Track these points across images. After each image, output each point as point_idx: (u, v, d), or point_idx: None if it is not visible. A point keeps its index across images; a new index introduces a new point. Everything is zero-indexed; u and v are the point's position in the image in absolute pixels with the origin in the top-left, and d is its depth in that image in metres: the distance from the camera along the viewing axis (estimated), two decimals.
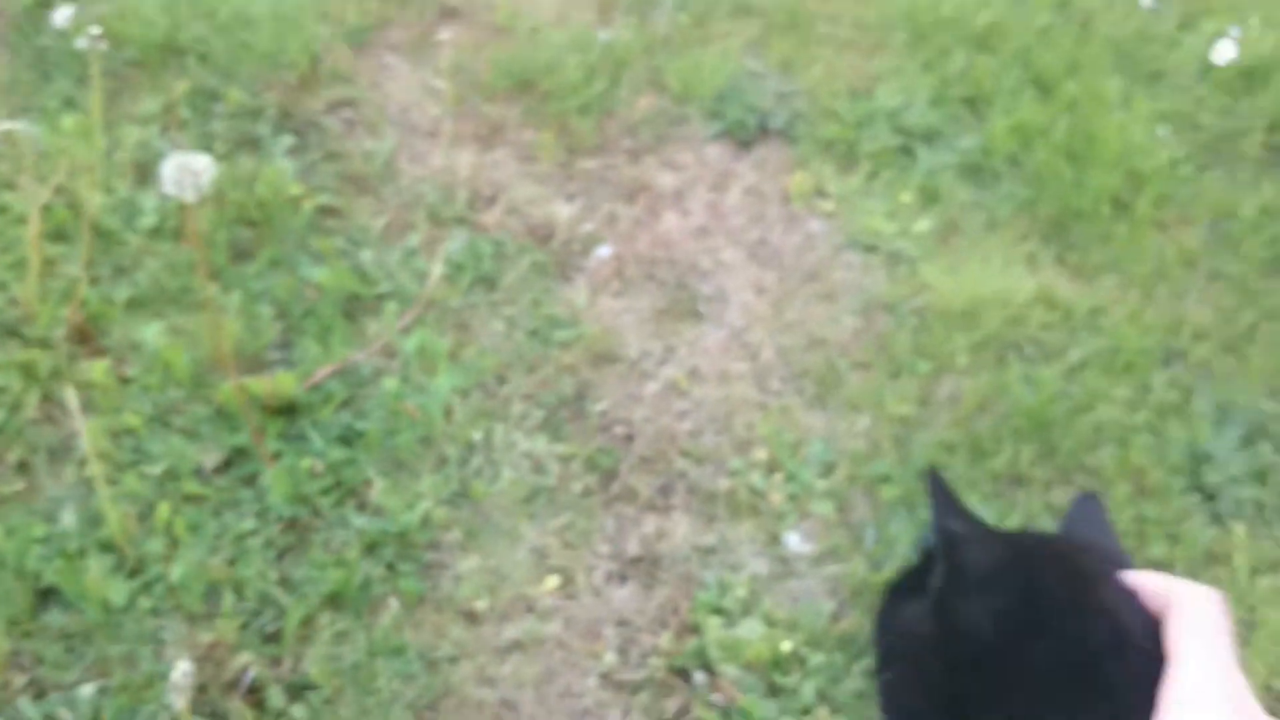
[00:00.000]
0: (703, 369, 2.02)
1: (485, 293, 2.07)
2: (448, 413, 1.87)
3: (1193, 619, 0.63)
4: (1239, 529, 1.83)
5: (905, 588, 0.78)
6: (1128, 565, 0.79)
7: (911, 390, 2.00)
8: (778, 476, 1.88)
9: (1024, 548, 0.73)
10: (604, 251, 2.16)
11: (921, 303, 2.14)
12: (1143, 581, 0.67)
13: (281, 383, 1.79)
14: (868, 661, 1.61)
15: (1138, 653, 0.66)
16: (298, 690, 1.53)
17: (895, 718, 0.78)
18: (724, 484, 1.86)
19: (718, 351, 2.05)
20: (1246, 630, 1.72)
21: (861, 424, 1.97)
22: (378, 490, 1.74)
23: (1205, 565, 1.79)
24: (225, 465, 1.77)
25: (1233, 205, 2.31)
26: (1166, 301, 2.16)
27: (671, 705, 1.60)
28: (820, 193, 2.33)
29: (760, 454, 1.91)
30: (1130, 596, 0.68)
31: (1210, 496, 1.88)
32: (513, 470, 1.82)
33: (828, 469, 1.91)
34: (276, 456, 1.74)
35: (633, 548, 1.77)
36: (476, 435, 1.85)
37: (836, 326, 2.11)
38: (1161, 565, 1.78)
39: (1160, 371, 2.05)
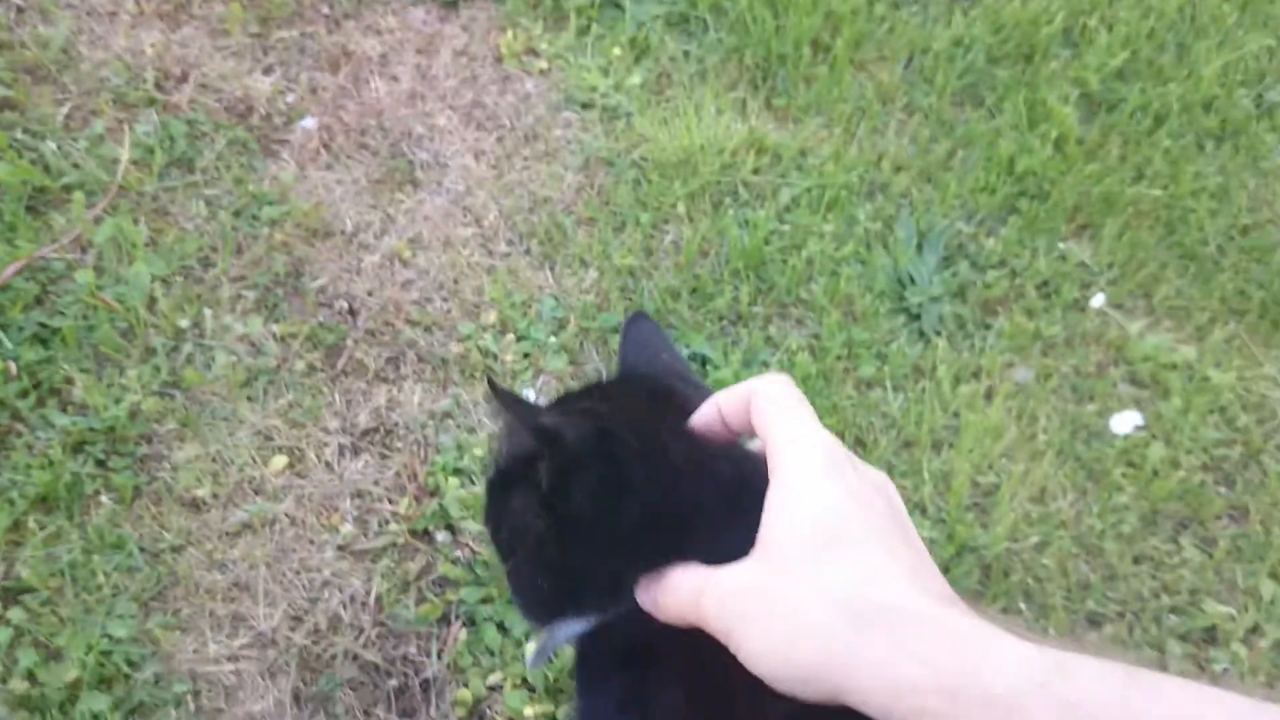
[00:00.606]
0: (425, 237, 1.99)
1: (182, 175, 1.96)
2: (150, 302, 1.78)
3: (770, 400, 0.67)
4: (941, 343, 1.94)
5: (505, 483, 0.81)
6: (686, 374, 0.86)
7: (636, 241, 2.02)
8: (509, 337, 1.88)
9: (601, 414, 0.77)
10: (309, 123, 2.07)
11: (639, 155, 2.16)
12: (723, 399, 0.71)
13: None
14: None
15: (713, 459, 0.72)
16: (13, 595, 1.45)
17: (522, 599, 0.83)
18: (455, 349, 1.85)
19: (439, 218, 2.01)
20: (951, 435, 1.85)
21: (589, 278, 1.98)
22: (80, 387, 1.64)
23: (912, 379, 1.90)
24: None
25: (926, 40, 2.40)
26: (868, 138, 2.25)
27: (414, 567, 1.59)
28: (532, 51, 2.30)
29: (490, 316, 1.90)
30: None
31: (915, 316, 1.99)
32: (228, 355, 1.75)
33: (559, 325, 1.92)
34: None
35: (364, 420, 1.74)
36: (184, 322, 1.76)
37: (559, 184, 2.10)
38: (872, 383, 1.89)
39: (864, 204, 2.14)
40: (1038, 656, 0.51)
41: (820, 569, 0.58)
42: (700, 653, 0.68)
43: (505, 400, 0.75)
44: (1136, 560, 1.75)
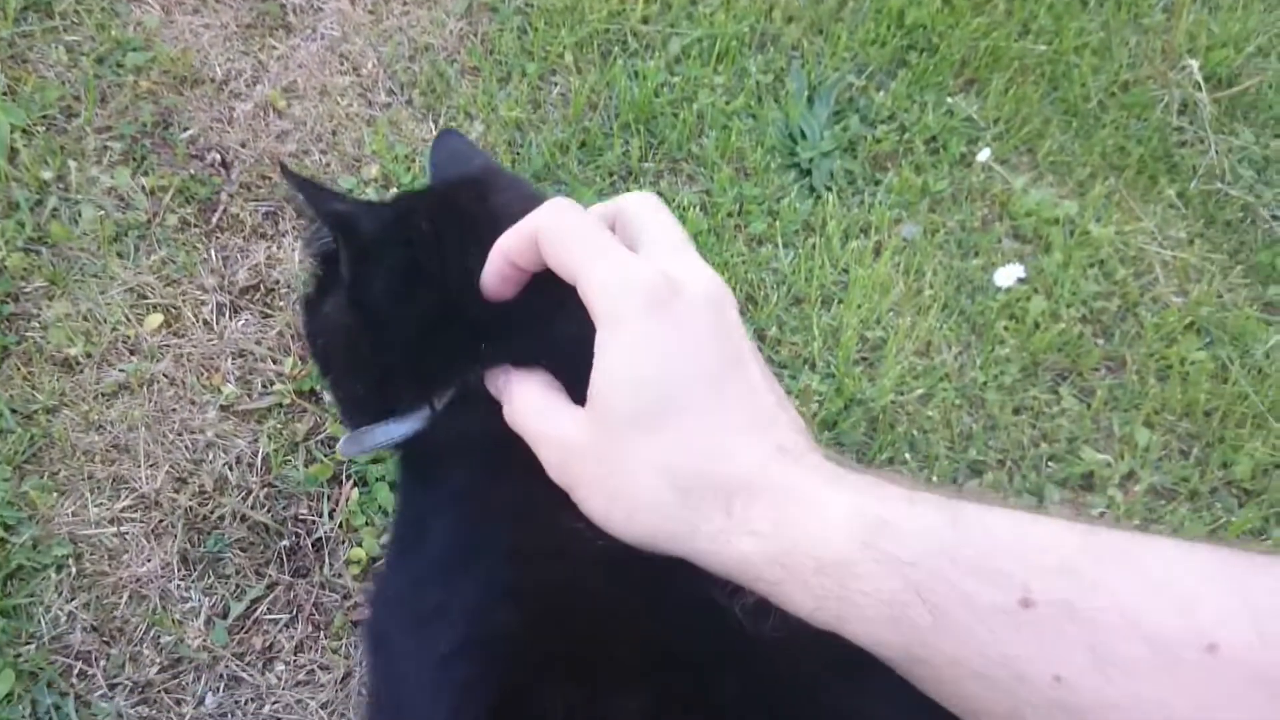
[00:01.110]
0: (300, 85, 1.90)
1: (40, 20, 1.83)
2: (11, 154, 1.67)
3: (559, 237, 0.61)
4: (831, 199, 1.94)
5: (317, 293, 0.80)
6: (500, 173, 0.84)
7: (522, 93, 1.96)
8: (393, 191, 1.82)
9: (405, 206, 0.75)
10: None
11: (524, 1, 2.08)
12: (507, 244, 0.65)
13: None
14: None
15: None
16: None
17: (346, 411, 0.81)
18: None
19: (315, 65, 1.92)
20: (840, 290, 1.86)
21: (475, 131, 1.92)
22: None
23: (803, 234, 1.90)
24: None
25: None
26: None
27: (302, 427, 1.56)
28: None
29: (373, 170, 1.83)
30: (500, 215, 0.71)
31: (805, 172, 1.98)
32: (95, 209, 1.66)
33: None
34: None
35: (243, 277, 1.68)
36: (48, 175, 1.66)
37: (441, 31, 2.02)
38: (763, 239, 1.88)
39: (755, 56, 2.10)
40: (859, 516, 0.51)
41: (649, 440, 0.56)
42: (529, 465, 0.66)
43: (300, 187, 0.72)
44: (1017, 410, 1.80)
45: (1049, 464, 1.76)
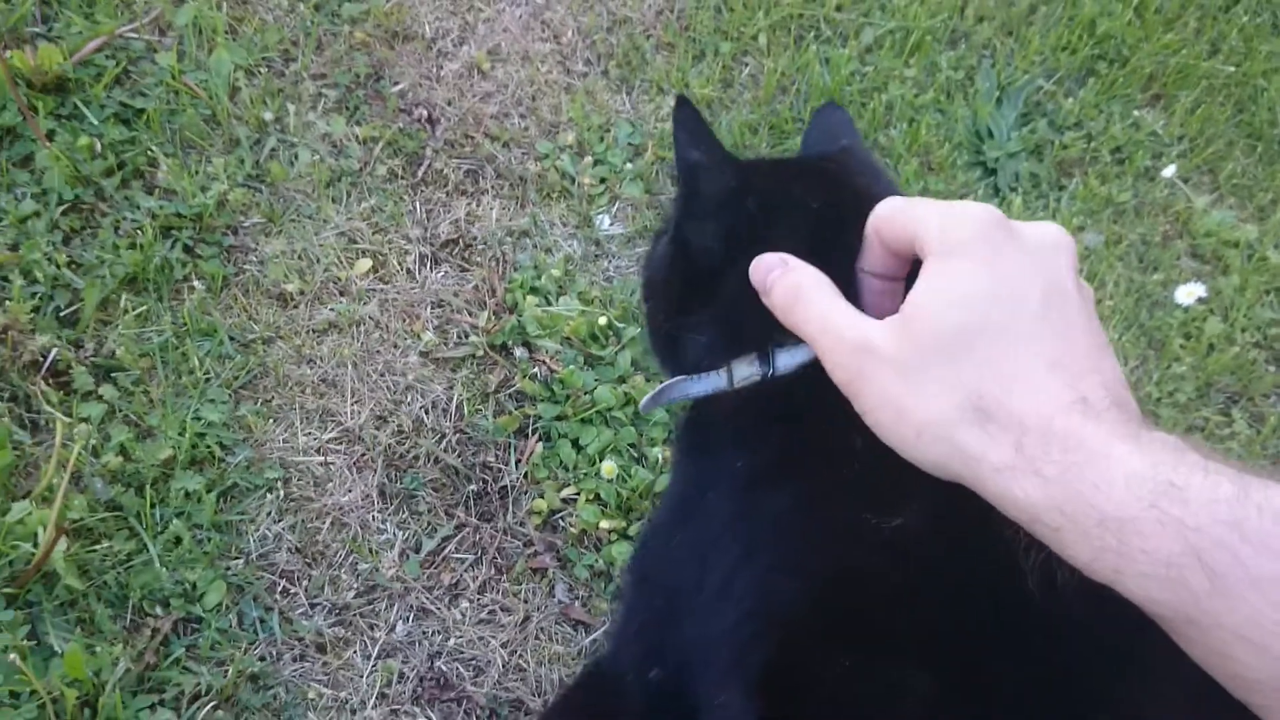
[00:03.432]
0: (504, 49, 1.95)
1: None
2: (233, 92, 1.74)
3: (910, 206, 0.65)
4: (1016, 200, 1.94)
5: (664, 231, 0.85)
6: (865, 159, 0.86)
7: (715, 71, 1.99)
8: (587, 159, 1.86)
9: (760, 172, 0.77)
10: None
11: None
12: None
13: (46, 56, 1.61)
14: None
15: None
16: (105, 371, 1.46)
17: (652, 341, 0.84)
18: (534, 167, 1.83)
19: (518, 31, 1.97)
20: None
21: (667, 106, 1.95)
22: (165, 171, 1.62)
23: None
24: None
25: None
26: None
27: (493, 379, 1.61)
28: None
29: (568, 137, 1.88)
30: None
31: (991, 171, 1.98)
32: (311, 152, 1.72)
33: (635, 151, 1.90)
34: (50, 136, 1.59)
35: (445, 231, 1.74)
36: (268, 115, 1.73)
37: (639, 6, 2.05)
38: None
39: (947, 52, 2.11)
40: (1150, 476, 0.51)
41: (958, 360, 0.57)
42: (819, 453, 0.69)
43: (679, 121, 0.74)
44: (1189, 429, 1.79)
45: None
